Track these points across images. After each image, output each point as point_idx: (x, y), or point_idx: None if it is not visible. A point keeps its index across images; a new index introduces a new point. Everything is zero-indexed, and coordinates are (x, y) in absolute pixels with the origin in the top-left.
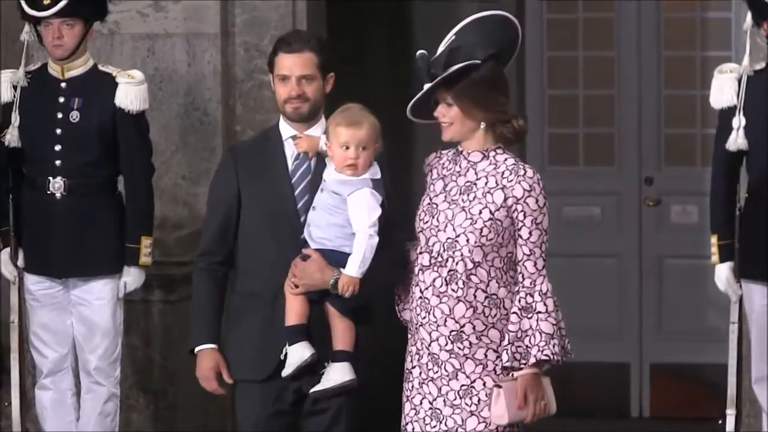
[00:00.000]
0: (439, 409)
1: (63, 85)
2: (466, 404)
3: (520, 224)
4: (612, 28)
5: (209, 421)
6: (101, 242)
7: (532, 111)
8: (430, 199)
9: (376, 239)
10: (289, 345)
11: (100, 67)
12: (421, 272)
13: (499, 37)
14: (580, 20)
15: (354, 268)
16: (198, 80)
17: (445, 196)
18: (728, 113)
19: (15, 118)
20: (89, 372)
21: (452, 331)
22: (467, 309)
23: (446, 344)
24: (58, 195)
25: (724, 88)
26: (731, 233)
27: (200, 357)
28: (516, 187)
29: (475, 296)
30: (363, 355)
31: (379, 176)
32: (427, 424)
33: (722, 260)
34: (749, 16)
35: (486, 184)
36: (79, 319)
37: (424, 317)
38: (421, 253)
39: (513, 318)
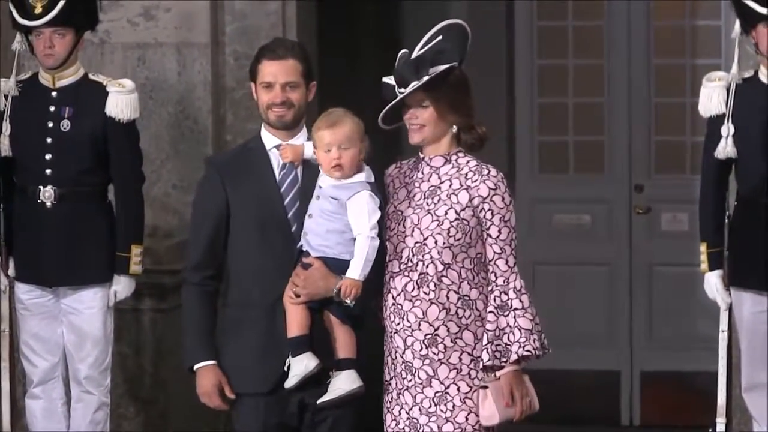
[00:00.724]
0: (415, 418)
1: (54, 94)
2: (441, 411)
3: (489, 223)
4: (602, 36)
5: (200, 429)
6: (92, 251)
7: (522, 119)
8: (395, 207)
9: (377, 242)
10: (293, 356)
11: (91, 76)
12: (391, 279)
13: (462, 46)
14: (569, 28)
15: (357, 271)
16: (188, 89)
17: (410, 203)
18: (717, 121)
19: (6, 128)
20: (79, 381)
21: (427, 334)
22: (440, 311)
23: (421, 349)
24: (48, 204)
25: (713, 97)
26: (720, 241)
27: (200, 374)
28: (481, 186)
29: (447, 297)
30: (361, 361)
31: (373, 179)
32: None
33: (711, 268)
34: (738, 23)
35: (450, 186)
36: (70, 327)
37: (398, 323)
38: (390, 260)
39: (490, 317)
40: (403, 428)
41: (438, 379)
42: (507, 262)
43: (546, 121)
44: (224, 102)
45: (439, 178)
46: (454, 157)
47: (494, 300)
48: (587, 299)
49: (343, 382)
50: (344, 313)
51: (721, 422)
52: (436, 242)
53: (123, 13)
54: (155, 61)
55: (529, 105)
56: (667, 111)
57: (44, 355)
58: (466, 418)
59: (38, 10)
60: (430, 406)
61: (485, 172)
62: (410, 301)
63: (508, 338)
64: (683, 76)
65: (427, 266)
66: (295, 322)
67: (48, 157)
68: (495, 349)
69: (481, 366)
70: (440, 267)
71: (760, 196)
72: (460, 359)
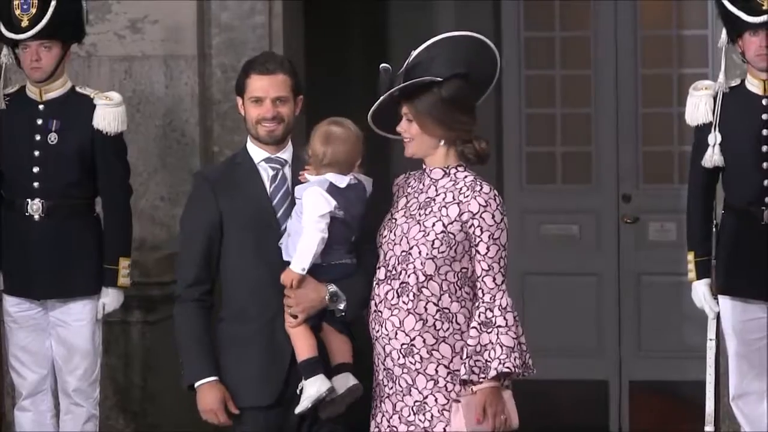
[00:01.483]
0: (395, 426)
1: (41, 107)
2: (420, 420)
3: (477, 239)
4: (589, 47)
5: None
6: (80, 264)
7: (510, 129)
8: (391, 215)
9: (321, 236)
10: (305, 379)
11: (78, 89)
12: (377, 286)
13: (471, 58)
14: (557, 39)
15: (295, 263)
16: (175, 102)
17: (405, 212)
18: (704, 130)
19: None
20: (68, 393)
21: (403, 344)
22: (417, 321)
23: (398, 358)
24: (36, 217)
25: (700, 106)
26: (708, 250)
27: (203, 391)
28: (472, 202)
29: (425, 309)
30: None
31: (364, 188)
32: None
33: (699, 277)
34: (724, 32)
35: (444, 199)
36: (58, 340)
37: (378, 331)
38: (379, 267)
39: (472, 332)
40: None
41: (417, 389)
42: (494, 279)
43: (533, 132)
44: (211, 114)
45: (436, 190)
46: (453, 171)
47: (479, 316)
48: (576, 309)
49: (338, 383)
50: (341, 322)
51: (709, 431)
52: (420, 252)
53: (110, 26)
54: (142, 74)
55: (517, 116)
56: (654, 121)
57: (33, 367)
58: (444, 430)
59: (25, 23)
60: (409, 415)
61: (478, 188)
62: (389, 309)
63: (489, 354)
64: (670, 86)
65: (408, 276)
66: (304, 345)
67: (35, 170)
68: (474, 364)
69: (458, 380)
70: (422, 278)
71: (750, 204)
72: (437, 371)
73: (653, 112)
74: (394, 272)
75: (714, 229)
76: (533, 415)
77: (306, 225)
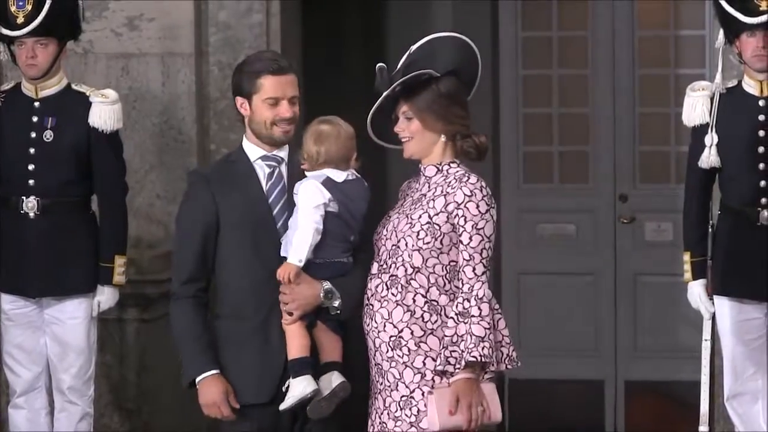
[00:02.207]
0: (384, 422)
1: (36, 104)
2: (406, 415)
3: (461, 229)
4: (586, 47)
5: None
6: (75, 261)
7: (507, 129)
8: (389, 213)
9: (316, 227)
10: (293, 378)
11: (74, 87)
12: (370, 281)
13: (455, 57)
14: (554, 38)
15: (292, 255)
16: (172, 99)
17: (400, 209)
18: (700, 131)
19: None
20: (63, 391)
21: (391, 336)
22: (405, 313)
23: (387, 351)
24: (31, 214)
25: (696, 106)
26: (704, 250)
27: (205, 384)
28: (457, 192)
29: (414, 300)
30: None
31: (355, 179)
32: None
33: (695, 277)
34: (721, 33)
35: (434, 193)
36: (53, 338)
37: (368, 324)
38: (372, 263)
39: (449, 323)
40: None
41: (404, 383)
42: (474, 269)
43: (530, 132)
44: (208, 112)
45: (429, 187)
46: (446, 167)
47: (456, 306)
48: (572, 309)
49: (326, 382)
50: (335, 320)
51: (704, 430)
52: (407, 244)
53: (107, 23)
54: (139, 72)
55: (514, 115)
56: (651, 121)
57: (27, 365)
58: None
59: (20, 20)
60: (396, 410)
61: (465, 179)
62: (379, 301)
63: (464, 345)
64: (668, 86)
65: (398, 268)
66: (296, 344)
67: (31, 167)
68: (449, 355)
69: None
70: (410, 270)
71: (746, 205)
72: (424, 363)
73: (650, 113)
74: (385, 266)
75: (710, 230)
76: (529, 415)
77: (300, 217)
